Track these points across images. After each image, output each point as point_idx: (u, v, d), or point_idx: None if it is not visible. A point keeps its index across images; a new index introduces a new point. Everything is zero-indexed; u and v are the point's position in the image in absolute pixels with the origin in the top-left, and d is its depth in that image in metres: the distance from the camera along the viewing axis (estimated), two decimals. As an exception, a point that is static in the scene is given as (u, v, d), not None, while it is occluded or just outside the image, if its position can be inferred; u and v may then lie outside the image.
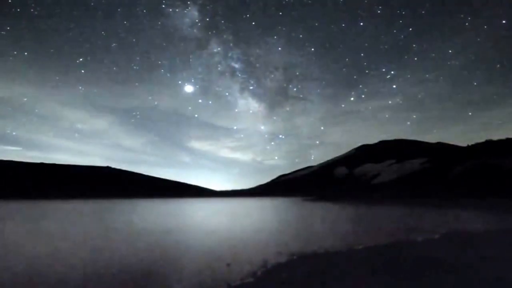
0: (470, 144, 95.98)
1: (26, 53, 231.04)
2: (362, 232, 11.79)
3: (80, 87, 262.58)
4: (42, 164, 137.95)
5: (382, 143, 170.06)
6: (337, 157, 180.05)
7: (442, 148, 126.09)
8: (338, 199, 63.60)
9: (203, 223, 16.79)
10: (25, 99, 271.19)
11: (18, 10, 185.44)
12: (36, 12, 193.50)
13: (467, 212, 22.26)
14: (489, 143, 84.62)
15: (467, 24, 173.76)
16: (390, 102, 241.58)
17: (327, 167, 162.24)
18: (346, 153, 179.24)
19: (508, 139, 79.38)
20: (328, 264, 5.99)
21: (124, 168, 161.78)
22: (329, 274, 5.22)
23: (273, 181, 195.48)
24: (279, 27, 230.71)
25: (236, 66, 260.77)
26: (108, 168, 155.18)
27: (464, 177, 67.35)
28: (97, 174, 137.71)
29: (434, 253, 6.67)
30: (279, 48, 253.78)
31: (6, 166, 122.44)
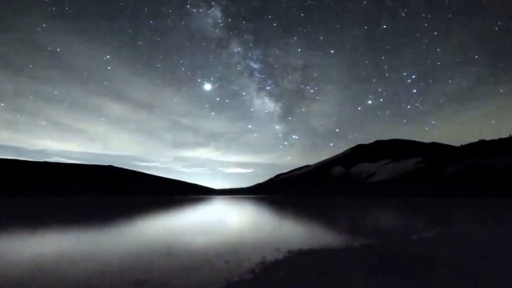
0: (463, 144, 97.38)
1: (58, 49, 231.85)
2: (358, 231, 11.93)
3: (105, 83, 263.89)
4: (45, 162, 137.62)
5: (378, 143, 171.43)
6: (333, 156, 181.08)
7: (436, 148, 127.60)
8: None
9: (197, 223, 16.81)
10: (56, 92, 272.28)
11: (54, 8, 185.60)
12: (70, 11, 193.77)
13: (460, 211, 22.64)
14: (482, 143, 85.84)
15: (496, 28, 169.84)
16: (409, 107, 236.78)
17: (324, 167, 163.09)
18: (343, 153, 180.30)
19: (501, 139, 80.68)
20: (325, 261, 6.08)
21: (126, 167, 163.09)
22: (326, 271, 5.31)
23: (271, 180, 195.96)
24: (300, 29, 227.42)
25: (255, 66, 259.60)
26: (110, 167, 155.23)
27: (458, 177, 68.38)
28: (99, 172, 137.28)
29: (428, 251, 6.80)
30: (299, 49, 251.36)
31: (10, 164, 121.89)
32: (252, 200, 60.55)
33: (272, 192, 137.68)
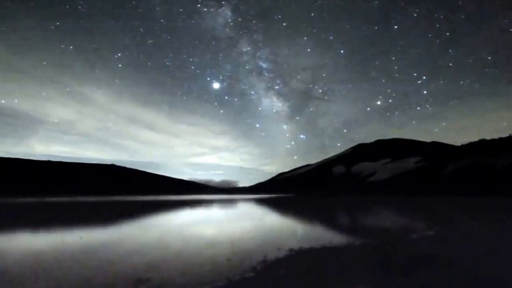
0: (464, 143, 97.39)
1: (71, 47, 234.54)
2: (358, 230, 11.97)
3: (116, 80, 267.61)
4: (48, 161, 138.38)
5: (378, 142, 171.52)
6: (334, 155, 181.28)
7: (436, 147, 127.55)
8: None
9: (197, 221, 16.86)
10: (68, 89, 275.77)
11: (67, 6, 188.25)
12: (83, 10, 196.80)
13: (460, 210, 22.67)
14: (482, 142, 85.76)
15: (510, 30, 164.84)
16: (418, 108, 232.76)
17: (325, 166, 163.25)
18: (344, 152, 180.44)
19: (500, 139, 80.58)
20: (325, 260, 6.12)
21: (129, 166, 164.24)
22: (327, 270, 5.35)
23: (272, 179, 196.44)
24: (310, 29, 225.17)
25: (264, 65, 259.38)
26: (112, 165, 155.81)
27: (457, 176, 68.38)
28: (101, 171, 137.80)
29: (428, 250, 6.85)
30: (308, 49, 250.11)
31: (14, 163, 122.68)
32: (253, 199, 60.66)
33: (274, 191, 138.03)
